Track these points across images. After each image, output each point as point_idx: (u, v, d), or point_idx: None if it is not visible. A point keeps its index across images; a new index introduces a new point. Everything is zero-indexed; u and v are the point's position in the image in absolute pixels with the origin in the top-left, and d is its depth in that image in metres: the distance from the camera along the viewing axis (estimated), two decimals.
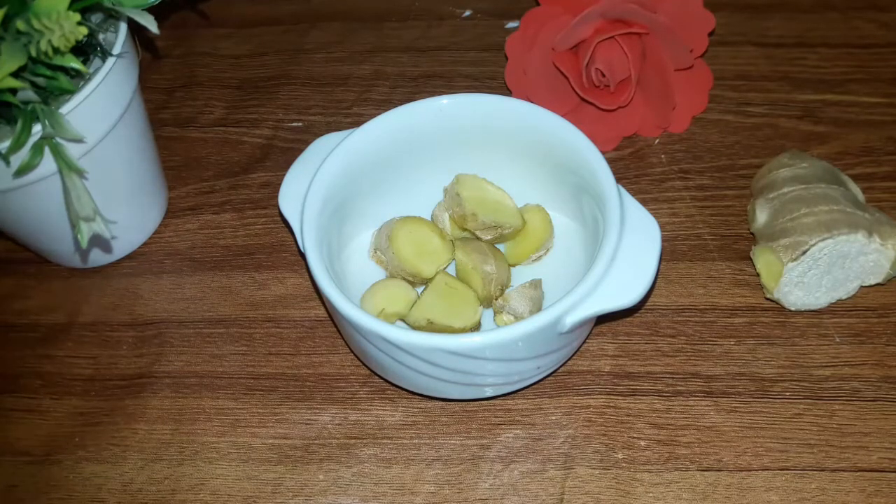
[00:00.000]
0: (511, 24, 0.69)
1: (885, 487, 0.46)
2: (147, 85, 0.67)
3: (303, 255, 0.50)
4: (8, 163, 0.47)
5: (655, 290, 0.54)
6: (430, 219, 0.55)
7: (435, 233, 0.53)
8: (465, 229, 0.53)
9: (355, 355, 0.52)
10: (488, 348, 0.44)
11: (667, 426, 0.49)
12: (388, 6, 0.71)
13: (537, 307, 0.50)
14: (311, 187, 0.49)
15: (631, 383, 0.50)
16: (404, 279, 0.52)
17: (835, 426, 0.48)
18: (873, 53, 0.64)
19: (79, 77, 0.49)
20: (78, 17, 0.42)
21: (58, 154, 0.47)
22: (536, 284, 0.51)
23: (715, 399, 0.49)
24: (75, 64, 0.45)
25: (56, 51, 0.43)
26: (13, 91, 0.45)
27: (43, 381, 0.54)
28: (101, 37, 0.51)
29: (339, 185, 0.50)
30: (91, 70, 0.49)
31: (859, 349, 0.50)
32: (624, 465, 0.48)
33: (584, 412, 0.49)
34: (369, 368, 0.52)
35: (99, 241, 0.56)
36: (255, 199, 0.61)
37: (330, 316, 0.53)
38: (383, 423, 0.50)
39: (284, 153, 0.63)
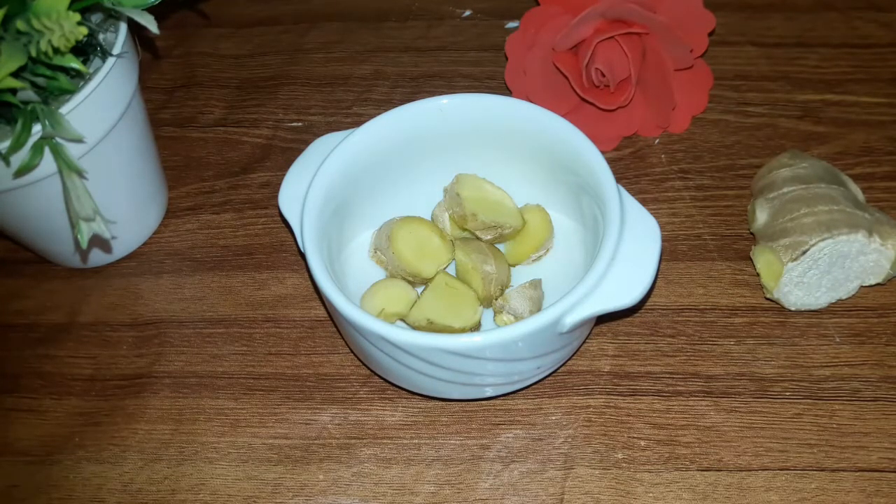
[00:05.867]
0: (511, 24, 0.69)
1: (885, 487, 0.46)
2: (147, 85, 0.67)
3: (303, 255, 0.50)
4: (8, 163, 0.47)
5: (655, 290, 0.54)
6: (430, 219, 0.54)
7: (435, 233, 0.53)
8: (465, 229, 0.53)
9: (355, 355, 0.52)
10: (488, 348, 0.44)
11: (667, 426, 0.49)
12: (388, 6, 0.71)
13: (537, 307, 0.50)
14: (311, 187, 0.49)
15: (631, 383, 0.50)
16: (404, 279, 0.52)
17: (835, 426, 0.48)
18: (873, 53, 0.64)
19: (79, 77, 0.49)
20: (78, 17, 0.42)
21: (58, 154, 0.47)
22: (536, 284, 0.51)
23: (715, 399, 0.49)
24: (75, 64, 0.45)
25: (56, 51, 0.43)
26: (13, 91, 0.45)
27: (43, 381, 0.54)
28: (101, 37, 0.51)
29: (339, 185, 0.50)
30: (91, 70, 0.49)
31: (859, 349, 0.50)
32: (624, 465, 0.48)
33: (584, 412, 0.49)
34: (369, 368, 0.52)
35: (99, 241, 0.56)
36: (255, 199, 0.61)
37: (330, 316, 0.53)
38: (383, 423, 0.50)
39: (284, 153, 0.63)
